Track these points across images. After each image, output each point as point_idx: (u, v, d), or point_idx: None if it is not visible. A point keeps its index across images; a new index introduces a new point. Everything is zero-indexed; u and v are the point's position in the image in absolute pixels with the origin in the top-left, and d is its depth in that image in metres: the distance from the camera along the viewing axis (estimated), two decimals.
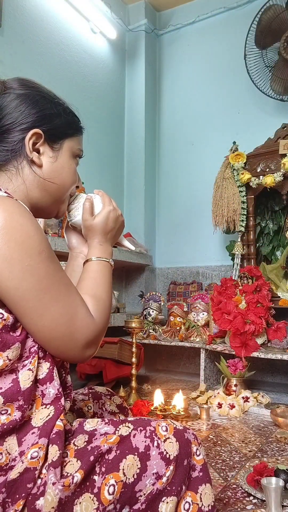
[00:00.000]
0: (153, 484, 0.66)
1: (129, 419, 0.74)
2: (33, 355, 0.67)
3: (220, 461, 1.40)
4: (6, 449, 0.64)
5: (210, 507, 0.71)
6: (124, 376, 2.24)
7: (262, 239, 2.74)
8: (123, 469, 0.65)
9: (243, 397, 2.03)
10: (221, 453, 1.47)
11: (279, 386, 2.56)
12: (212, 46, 3.27)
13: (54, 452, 0.63)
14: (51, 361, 0.70)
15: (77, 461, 0.64)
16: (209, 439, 1.61)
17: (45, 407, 0.68)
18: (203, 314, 2.64)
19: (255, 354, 2.12)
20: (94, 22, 3.04)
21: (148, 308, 2.85)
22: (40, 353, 0.69)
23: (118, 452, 0.66)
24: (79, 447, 0.67)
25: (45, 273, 0.66)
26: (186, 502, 0.70)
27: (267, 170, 2.53)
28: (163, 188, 3.48)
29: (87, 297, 0.75)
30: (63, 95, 0.85)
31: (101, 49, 3.19)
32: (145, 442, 0.69)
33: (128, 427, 0.71)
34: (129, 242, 1.00)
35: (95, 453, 0.65)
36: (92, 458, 0.65)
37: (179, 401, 1.88)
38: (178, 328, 2.70)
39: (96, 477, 0.64)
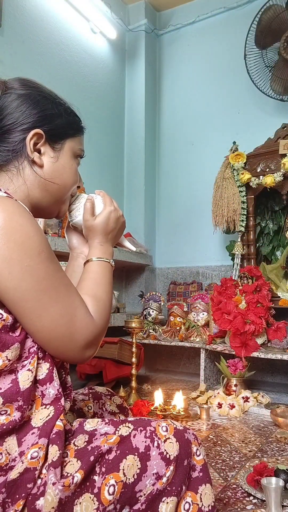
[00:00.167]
0: (153, 484, 0.66)
1: (129, 419, 0.74)
2: (33, 355, 0.67)
3: (220, 461, 1.40)
4: (6, 449, 0.64)
5: (210, 507, 0.71)
6: (124, 376, 2.24)
7: (262, 239, 2.74)
8: (123, 469, 0.65)
9: (243, 397, 2.03)
10: (221, 453, 1.47)
11: (279, 386, 2.56)
12: (212, 46, 3.27)
13: (54, 452, 0.63)
14: (50, 362, 0.70)
15: (77, 461, 0.64)
16: (209, 439, 1.61)
17: (45, 407, 0.68)
18: (203, 314, 2.64)
19: (255, 354, 2.12)
20: (94, 22, 3.04)
21: (148, 308, 2.86)
22: (39, 353, 0.69)
23: (118, 452, 0.67)
24: (79, 447, 0.67)
25: (45, 273, 0.66)
26: (186, 502, 0.70)
27: (267, 170, 2.53)
28: (163, 188, 3.48)
29: (87, 298, 0.75)
30: (63, 95, 0.85)
31: (101, 49, 3.19)
32: (145, 442, 0.69)
33: (128, 427, 0.71)
34: (129, 243, 1.00)
35: (95, 453, 0.65)
36: (92, 458, 0.65)
37: (179, 401, 1.88)
38: (178, 328, 2.70)
39: (96, 477, 0.64)
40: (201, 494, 0.71)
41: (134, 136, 3.41)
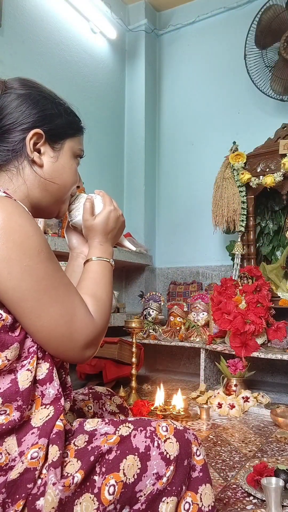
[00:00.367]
0: (153, 484, 0.66)
1: (129, 419, 0.74)
2: (32, 355, 0.67)
3: (220, 461, 1.40)
4: (6, 449, 0.64)
5: (210, 507, 0.71)
6: (124, 376, 2.24)
7: (262, 239, 2.74)
8: (123, 469, 0.65)
9: (243, 397, 2.03)
10: (221, 453, 1.47)
11: (279, 386, 2.56)
12: (212, 46, 3.27)
13: (54, 452, 0.63)
14: (50, 362, 0.70)
15: (77, 461, 0.64)
16: (209, 439, 1.61)
17: (45, 407, 0.68)
18: (203, 314, 2.64)
19: (255, 354, 2.12)
20: (94, 22, 3.04)
21: (148, 308, 2.86)
22: (39, 353, 0.69)
23: (118, 452, 0.66)
24: (79, 447, 0.67)
25: (44, 273, 0.66)
26: (186, 502, 0.70)
27: (267, 170, 2.53)
28: (163, 188, 3.48)
29: (87, 297, 0.75)
30: (63, 95, 0.85)
31: (101, 49, 3.19)
32: (145, 442, 0.69)
33: (129, 427, 0.71)
34: (129, 243, 1.00)
35: (95, 453, 0.65)
36: (92, 458, 0.65)
37: (179, 401, 1.88)
38: (178, 328, 2.70)
39: (96, 477, 0.64)
40: (201, 494, 0.71)
41: (134, 136, 3.41)
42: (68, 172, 0.83)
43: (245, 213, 2.60)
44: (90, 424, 0.72)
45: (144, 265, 3.20)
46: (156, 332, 2.76)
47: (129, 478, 0.65)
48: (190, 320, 2.68)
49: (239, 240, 2.63)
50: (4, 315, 0.65)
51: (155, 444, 0.69)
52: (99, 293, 0.78)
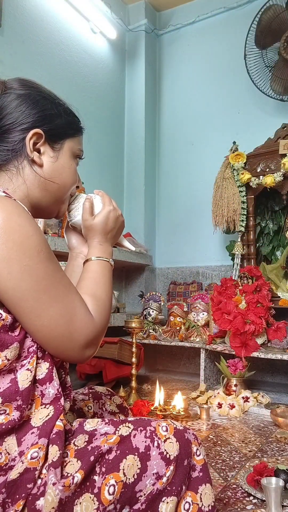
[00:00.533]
0: (153, 484, 0.66)
1: (129, 419, 0.74)
2: (32, 355, 0.67)
3: (220, 461, 1.40)
4: (6, 449, 0.64)
5: (210, 507, 0.71)
6: (124, 376, 2.24)
7: (262, 239, 2.74)
8: (123, 469, 0.65)
9: (243, 397, 2.03)
10: (221, 453, 1.47)
11: (279, 386, 2.56)
12: (212, 46, 3.27)
13: (54, 452, 0.63)
14: (50, 361, 0.70)
15: (77, 461, 0.64)
16: (209, 439, 1.61)
17: (45, 407, 0.68)
18: (203, 314, 2.64)
19: (255, 354, 2.12)
20: (94, 22, 3.04)
21: (148, 308, 2.86)
22: (39, 353, 0.69)
23: (118, 452, 0.66)
24: (79, 447, 0.67)
25: (44, 273, 0.66)
26: (186, 502, 0.70)
27: (267, 170, 2.53)
28: (163, 188, 3.48)
29: (86, 297, 0.75)
30: (63, 95, 0.85)
31: (101, 49, 3.19)
32: (145, 442, 0.69)
33: (128, 427, 0.71)
34: (129, 243, 1.00)
35: (95, 453, 0.65)
36: (92, 458, 0.65)
37: (179, 401, 1.88)
38: (178, 328, 2.70)
39: (96, 477, 0.64)
40: (201, 494, 0.71)
41: (134, 136, 3.41)
42: (68, 172, 0.83)
43: (245, 213, 2.60)
44: (90, 424, 0.73)
45: (144, 265, 3.20)
46: (156, 332, 2.76)
47: (129, 478, 0.65)
48: (190, 320, 2.68)
49: (239, 240, 2.63)
50: (4, 314, 0.65)
51: (155, 444, 0.69)
52: (98, 293, 0.78)
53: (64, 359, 0.73)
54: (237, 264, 2.61)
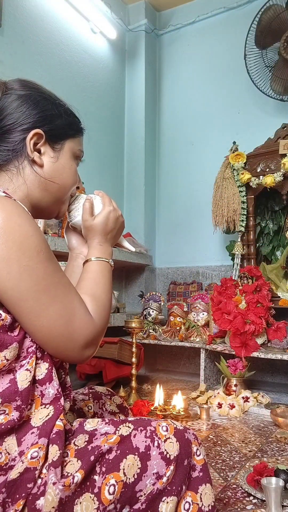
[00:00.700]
0: (153, 484, 0.66)
1: (130, 419, 0.74)
2: (31, 355, 0.68)
3: (220, 461, 1.40)
4: (6, 449, 0.64)
5: (210, 507, 0.72)
6: (124, 376, 2.24)
7: (262, 239, 2.74)
8: (124, 469, 0.65)
9: (243, 397, 2.03)
10: (221, 453, 1.47)
11: (279, 386, 2.56)
12: (212, 46, 3.27)
13: (54, 452, 0.64)
14: (49, 362, 0.70)
15: (77, 461, 0.65)
16: (209, 439, 1.61)
17: (44, 407, 0.68)
18: (203, 314, 2.64)
19: (255, 354, 2.12)
20: (94, 22, 3.04)
21: (148, 308, 2.86)
22: (38, 353, 0.69)
23: (118, 452, 0.67)
24: (79, 447, 0.67)
25: (44, 273, 0.66)
26: (186, 502, 0.70)
27: (267, 170, 2.53)
28: (163, 188, 3.48)
29: (86, 297, 0.75)
30: (63, 95, 0.85)
31: (101, 49, 3.19)
32: (145, 442, 0.69)
33: (129, 427, 0.71)
34: (129, 243, 1.00)
35: (96, 453, 0.65)
36: (92, 458, 0.65)
37: (179, 401, 1.88)
38: (178, 328, 2.70)
39: (96, 477, 0.64)
40: (201, 494, 0.71)
41: (134, 136, 3.41)
42: (68, 172, 0.83)
43: (245, 213, 2.60)
44: (90, 424, 0.73)
45: (144, 265, 3.20)
46: (156, 332, 2.76)
47: (129, 478, 0.65)
48: (190, 320, 2.68)
49: (239, 240, 2.63)
50: (3, 314, 0.65)
51: (155, 444, 0.69)
52: (98, 293, 0.78)
53: (64, 359, 0.73)
54: (237, 264, 2.61)
